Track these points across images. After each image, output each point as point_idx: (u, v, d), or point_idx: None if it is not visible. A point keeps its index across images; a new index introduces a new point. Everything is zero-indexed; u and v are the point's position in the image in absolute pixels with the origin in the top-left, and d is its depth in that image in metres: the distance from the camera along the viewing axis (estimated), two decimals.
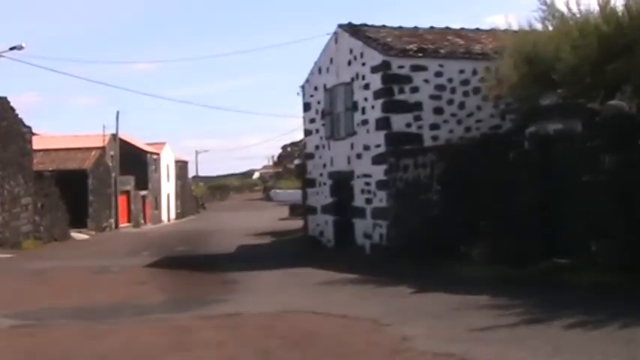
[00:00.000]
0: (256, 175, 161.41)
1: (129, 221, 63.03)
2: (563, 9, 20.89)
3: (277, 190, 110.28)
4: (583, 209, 16.35)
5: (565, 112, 17.16)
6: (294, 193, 72.52)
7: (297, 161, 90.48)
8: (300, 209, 40.92)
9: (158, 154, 76.30)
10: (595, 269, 15.37)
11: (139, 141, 73.60)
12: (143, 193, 68.76)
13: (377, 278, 18.35)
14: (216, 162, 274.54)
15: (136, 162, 66.95)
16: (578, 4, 20.88)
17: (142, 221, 67.66)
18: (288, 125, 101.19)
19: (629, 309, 12.05)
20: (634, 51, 19.01)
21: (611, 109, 16.05)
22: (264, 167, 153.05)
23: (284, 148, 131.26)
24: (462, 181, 20.15)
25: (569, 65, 19.36)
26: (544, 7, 21.29)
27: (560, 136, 17.31)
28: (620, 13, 19.96)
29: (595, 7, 20.50)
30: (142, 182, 68.24)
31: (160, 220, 74.51)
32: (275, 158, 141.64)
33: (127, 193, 63.62)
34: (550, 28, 21.21)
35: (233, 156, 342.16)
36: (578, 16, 20.70)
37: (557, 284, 15.26)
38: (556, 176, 17.55)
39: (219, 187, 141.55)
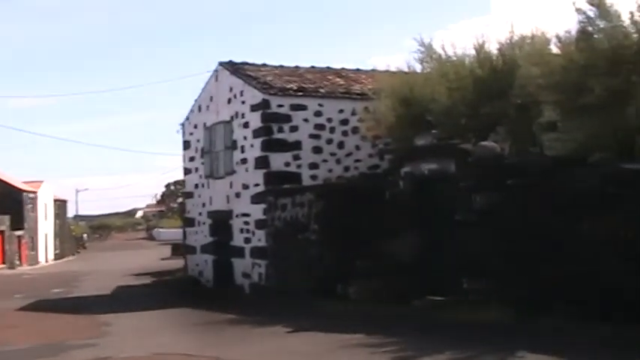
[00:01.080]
0: (139, 213, 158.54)
1: (3, 262, 60.72)
2: (441, 52, 21.26)
3: (160, 230, 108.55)
4: (456, 248, 16.48)
5: (439, 153, 17.36)
6: (177, 232, 71.32)
7: (180, 200, 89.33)
8: (182, 249, 40.23)
9: (35, 192, 73.97)
10: (468, 306, 15.53)
11: (15, 179, 71.29)
12: (19, 233, 66.39)
13: (255, 318, 18.09)
14: (98, 201, 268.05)
15: (11, 201, 64.69)
16: (454, 48, 21.30)
17: (18, 262, 65.24)
18: (172, 163, 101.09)
19: (500, 344, 12.15)
20: (507, 94, 19.46)
21: (483, 150, 16.30)
22: (148, 206, 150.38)
23: (167, 186, 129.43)
24: (340, 220, 20.11)
25: (444, 107, 19.67)
26: (422, 49, 21.61)
27: (434, 176, 17.50)
28: (494, 58, 20.45)
29: (471, 50, 20.97)
30: (18, 222, 65.89)
31: (37, 261, 72.00)
32: (158, 197, 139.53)
33: (2, 233, 61.37)
34: (427, 70, 21.52)
35: (115, 195, 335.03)
36: (454, 58, 21.10)
37: (431, 322, 15.37)
38: (431, 215, 17.69)
39: (101, 227, 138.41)
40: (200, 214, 29.90)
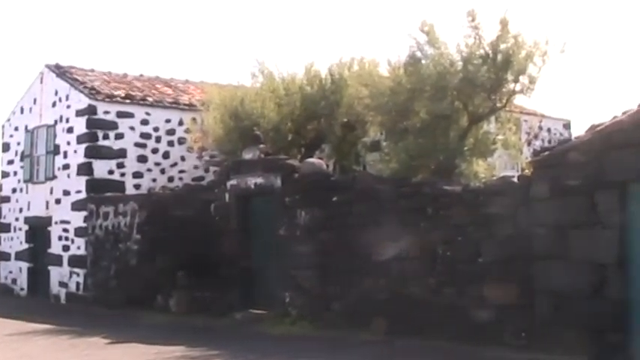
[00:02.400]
0: None
1: None
2: (272, 67, 21.27)
3: None
4: (280, 262, 16.47)
5: (266, 167, 17.28)
6: None
7: None
8: None
9: None
10: (289, 320, 15.57)
11: None
12: None
13: (72, 329, 17.27)
14: None
15: None
16: (285, 64, 21.44)
17: None
18: None
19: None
20: (334, 112, 19.70)
21: (309, 167, 16.37)
22: None
23: None
24: (163, 230, 19.68)
25: (273, 122, 19.66)
26: (255, 64, 21.56)
27: (260, 191, 17.42)
28: (323, 76, 20.66)
29: (301, 68, 21.12)
30: None
31: None
32: None
33: None
34: (258, 85, 21.49)
35: None
36: (285, 75, 21.16)
37: (251, 335, 15.29)
38: (256, 229, 17.63)
39: None
40: (17, 219, 28.49)
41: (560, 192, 11.95)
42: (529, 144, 22.87)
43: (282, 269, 16.29)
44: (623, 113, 11.70)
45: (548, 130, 27.80)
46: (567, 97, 52.51)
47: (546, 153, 12.56)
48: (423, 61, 16.83)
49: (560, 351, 11.41)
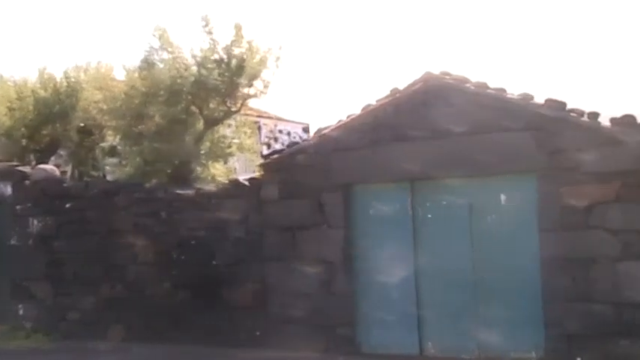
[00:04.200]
0: None
1: None
2: (2, 70, 20.20)
3: None
4: (12, 274, 15.57)
5: None
6: None
7: None
8: None
9: None
10: (23, 334, 14.78)
11: None
12: None
13: None
14: None
15: None
16: (17, 67, 20.44)
17: None
18: None
19: None
20: (69, 117, 18.98)
21: (40, 173, 15.58)
22: None
23: None
24: None
25: (4, 127, 18.64)
26: None
27: None
28: (58, 80, 19.84)
29: (35, 71, 20.18)
30: None
31: None
32: None
33: None
34: None
35: None
36: (16, 78, 20.15)
37: None
38: None
39: None
40: None
41: (289, 194, 12.17)
42: (269, 147, 23.17)
43: (15, 281, 15.41)
44: (348, 117, 12.06)
45: (288, 133, 28.33)
46: (306, 101, 53.94)
47: (276, 156, 12.72)
48: (158, 65, 16.55)
49: (293, 347, 11.62)
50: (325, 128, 12.26)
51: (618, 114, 10.04)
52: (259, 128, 24.71)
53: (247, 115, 18.72)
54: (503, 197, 10.77)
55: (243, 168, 19.91)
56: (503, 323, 10.71)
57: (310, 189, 11.96)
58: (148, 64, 16.66)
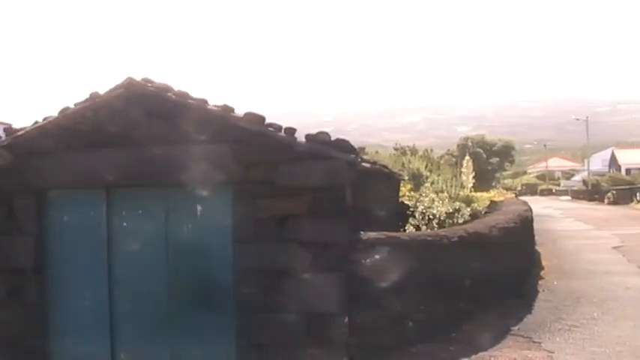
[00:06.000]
0: None
1: None
2: None
3: None
4: None
5: None
6: None
7: None
8: None
9: None
10: None
11: None
12: None
13: None
14: None
15: None
16: None
17: None
18: None
19: None
20: None
21: None
22: None
23: None
24: None
25: None
26: None
27: None
28: None
29: None
30: None
31: None
32: None
33: None
34: None
35: None
36: None
37: None
38: None
39: None
40: None
41: None
42: None
43: None
44: (45, 119, 11.47)
45: None
46: (10, 101, 51.34)
47: None
48: None
49: None
50: (20, 129, 11.58)
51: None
52: None
53: None
54: (199, 208, 10.72)
55: None
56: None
57: (2, 193, 11.22)
58: None
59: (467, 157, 25.10)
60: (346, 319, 10.02)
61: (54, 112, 11.44)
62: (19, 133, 11.44)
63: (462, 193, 19.85)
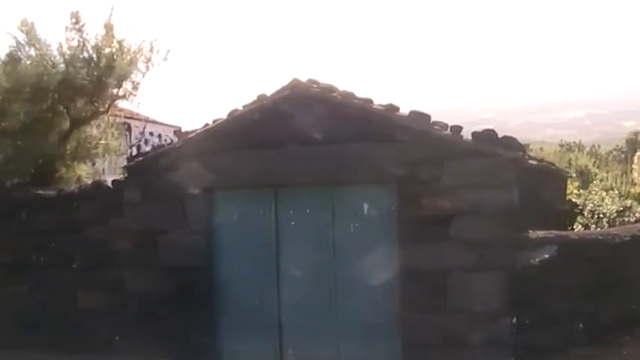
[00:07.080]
0: None
1: None
2: None
3: None
4: None
5: None
6: None
7: None
8: None
9: None
10: None
11: None
12: None
13: None
14: None
15: None
16: None
17: None
18: None
19: None
20: None
21: None
22: None
23: None
24: None
25: None
26: None
27: None
28: None
29: None
30: None
31: None
32: None
33: None
34: None
35: None
36: None
37: None
38: None
39: None
40: None
41: (152, 197, 11.83)
42: (139, 149, 22.54)
43: None
44: (214, 121, 11.83)
45: (159, 135, 27.68)
46: (180, 104, 53.35)
47: (140, 159, 12.37)
48: (25, 62, 15.82)
49: (148, 354, 11.23)
50: (191, 132, 12.00)
51: None
52: (129, 130, 24.07)
53: (116, 115, 18.11)
54: (365, 207, 10.74)
55: (112, 170, 19.32)
56: None
57: (172, 193, 11.61)
58: (12, 60, 15.92)
59: (638, 153, 24.10)
60: (513, 319, 9.81)
61: (222, 115, 11.80)
62: (190, 136, 11.85)
63: (632, 190, 19.05)
